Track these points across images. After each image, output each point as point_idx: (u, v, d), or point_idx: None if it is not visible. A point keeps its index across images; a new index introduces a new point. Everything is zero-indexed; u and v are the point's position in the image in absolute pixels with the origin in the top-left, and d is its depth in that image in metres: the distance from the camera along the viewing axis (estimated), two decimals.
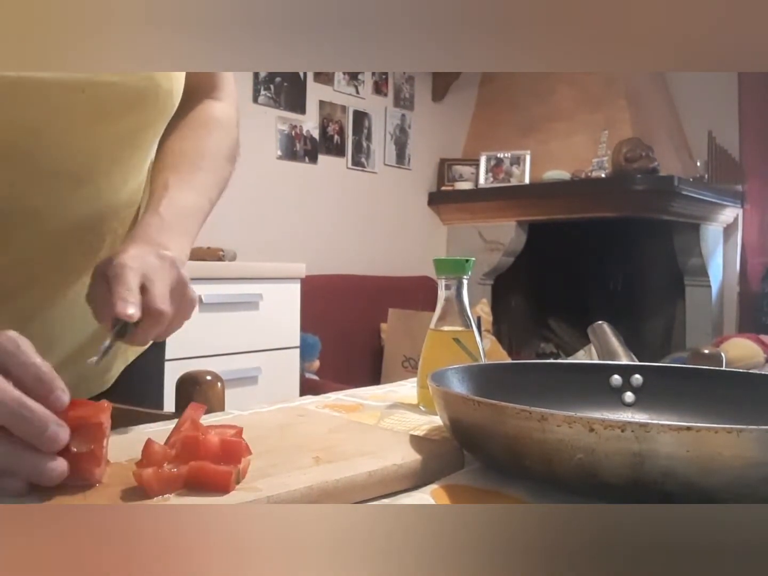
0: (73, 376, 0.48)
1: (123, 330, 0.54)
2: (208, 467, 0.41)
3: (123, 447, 0.48)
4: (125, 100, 0.59)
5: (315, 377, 2.79)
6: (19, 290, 0.65)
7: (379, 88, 3.62)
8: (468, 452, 0.50)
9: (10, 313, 0.65)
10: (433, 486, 0.45)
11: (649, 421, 0.38)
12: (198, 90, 0.79)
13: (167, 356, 0.90)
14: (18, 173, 0.58)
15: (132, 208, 0.71)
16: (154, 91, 0.61)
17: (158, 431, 0.56)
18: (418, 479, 0.47)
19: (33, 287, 0.66)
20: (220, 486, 0.41)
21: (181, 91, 0.67)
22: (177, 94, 0.66)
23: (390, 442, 0.52)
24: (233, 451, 0.43)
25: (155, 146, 0.70)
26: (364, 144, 3.55)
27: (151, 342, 0.59)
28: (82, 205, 0.64)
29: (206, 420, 0.61)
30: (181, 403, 0.65)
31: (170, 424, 0.59)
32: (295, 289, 2.46)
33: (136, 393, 0.79)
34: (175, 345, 0.89)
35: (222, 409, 0.69)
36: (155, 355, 0.85)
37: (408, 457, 0.48)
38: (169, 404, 0.72)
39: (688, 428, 0.37)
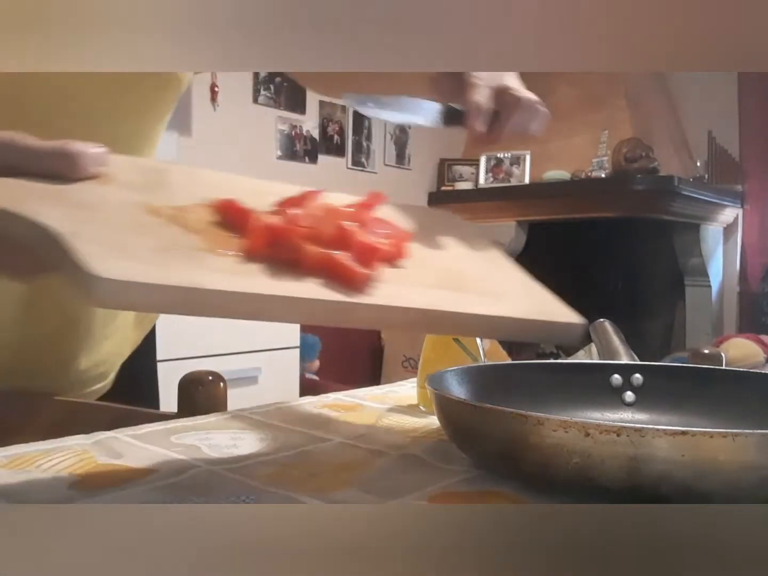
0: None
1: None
2: (349, 267, 0.41)
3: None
4: (145, 80, 0.60)
5: (315, 377, 2.79)
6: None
7: None
8: (465, 455, 0.50)
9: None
10: (429, 490, 0.45)
11: (645, 426, 0.38)
12: None
13: (168, 356, 0.89)
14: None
15: None
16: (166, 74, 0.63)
17: (157, 431, 0.56)
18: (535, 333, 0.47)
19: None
20: (355, 285, 0.40)
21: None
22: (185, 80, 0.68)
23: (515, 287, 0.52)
24: (371, 255, 0.42)
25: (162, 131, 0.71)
26: (364, 144, 3.55)
27: None
28: None
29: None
30: (184, 403, 0.65)
31: (170, 424, 0.59)
32: None
33: (133, 393, 0.79)
34: (174, 345, 0.89)
35: (224, 408, 0.69)
36: (147, 353, 0.85)
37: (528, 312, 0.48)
38: (171, 404, 0.72)
39: (684, 432, 0.37)
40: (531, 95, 0.61)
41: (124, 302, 0.35)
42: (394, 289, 0.43)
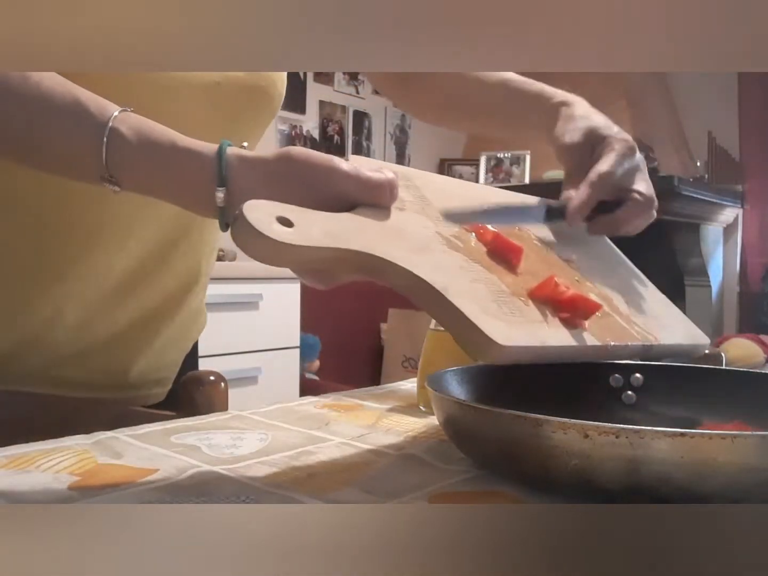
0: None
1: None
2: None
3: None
4: (253, 97, 0.60)
5: (315, 377, 2.79)
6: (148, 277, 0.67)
7: None
8: (465, 455, 0.50)
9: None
10: (429, 490, 0.45)
11: (643, 428, 0.38)
12: None
13: None
14: None
15: None
16: (271, 91, 0.63)
17: (157, 431, 0.56)
18: None
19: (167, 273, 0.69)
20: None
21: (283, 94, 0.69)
22: (282, 98, 0.68)
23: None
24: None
25: None
26: (364, 144, 3.55)
27: None
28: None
29: (204, 419, 0.61)
30: (184, 403, 0.65)
31: (170, 424, 0.59)
32: (295, 289, 2.46)
33: (181, 394, 0.80)
34: None
35: (225, 408, 0.69)
36: (192, 359, 0.86)
37: None
38: None
39: (682, 434, 0.37)
40: (653, 198, 0.64)
41: (503, 359, 0.43)
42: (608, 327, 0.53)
